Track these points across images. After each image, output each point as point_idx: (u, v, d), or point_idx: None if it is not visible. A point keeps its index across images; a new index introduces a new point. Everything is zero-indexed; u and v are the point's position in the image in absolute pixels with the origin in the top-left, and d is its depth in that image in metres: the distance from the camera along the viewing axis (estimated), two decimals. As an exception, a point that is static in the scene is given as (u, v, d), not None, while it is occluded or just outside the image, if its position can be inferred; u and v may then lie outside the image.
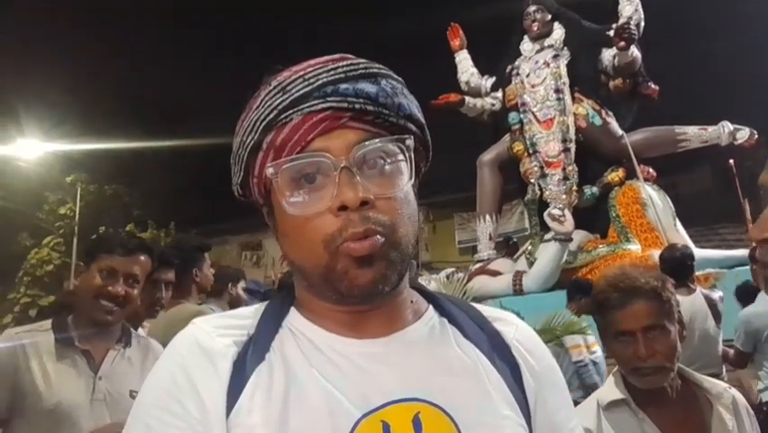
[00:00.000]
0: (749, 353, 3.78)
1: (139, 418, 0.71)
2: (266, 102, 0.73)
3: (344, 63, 0.74)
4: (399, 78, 0.78)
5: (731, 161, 12.14)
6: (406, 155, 0.74)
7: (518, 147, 7.45)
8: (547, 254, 6.42)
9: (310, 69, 0.73)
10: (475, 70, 8.24)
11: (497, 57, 8.17)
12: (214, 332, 0.74)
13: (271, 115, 0.72)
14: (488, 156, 7.79)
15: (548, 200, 6.95)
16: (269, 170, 0.72)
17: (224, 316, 0.79)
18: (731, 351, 3.88)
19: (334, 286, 0.71)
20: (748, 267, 4.25)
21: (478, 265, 7.26)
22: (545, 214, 6.41)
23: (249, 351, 0.72)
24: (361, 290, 0.70)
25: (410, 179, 0.74)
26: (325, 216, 0.70)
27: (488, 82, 8.11)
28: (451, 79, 8.30)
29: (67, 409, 1.69)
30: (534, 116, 7.37)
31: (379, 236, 0.69)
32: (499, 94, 7.88)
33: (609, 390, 1.53)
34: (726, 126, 7.06)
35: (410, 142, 0.74)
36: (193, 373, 0.70)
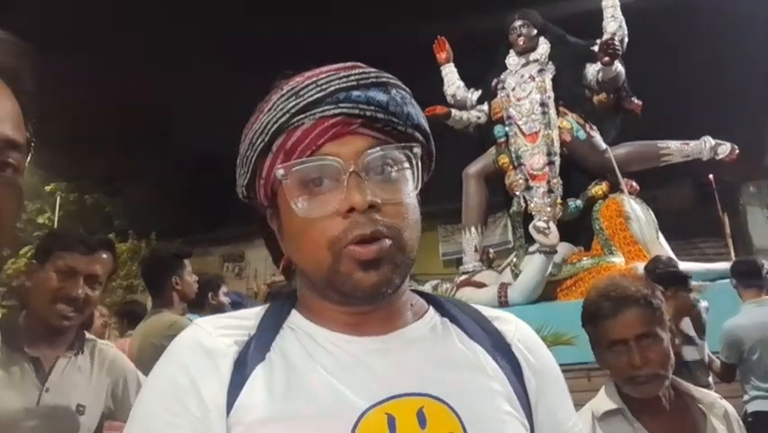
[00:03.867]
0: (734, 364, 3.80)
1: (140, 417, 0.71)
2: (278, 105, 0.74)
3: (356, 71, 0.75)
4: (407, 88, 0.80)
5: (711, 175, 12.34)
6: (413, 163, 0.76)
7: (504, 160, 7.49)
8: (532, 267, 6.44)
9: (323, 75, 0.75)
10: (461, 83, 8.29)
11: (483, 70, 8.24)
12: (216, 332, 0.74)
13: (283, 119, 0.73)
14: (473, 168, 7.82)
15: (533, 213, 6.98)
16: (280, 172, 0.73)
17: (225, 316, 0.80)
18: (717, 362, 3.90)
19: (338, 288, 0.72)
20: (729, 280, 4.28)
21: (463, 277, 7.26)
22: (531, 226, 6.44)
23: (250, 350, 0.73)
24: (365, 292, 0.72)
25: (415, 186, 0.76)
26: (333, 219, 0.71)
27: (474, 95, 8.16)
28: (437, 92, 8.34)
29: (5, 423, 1.48)
30: (520, 129, 7.42)
31: (386, 240, 0.71)
32: (485, 107, 7.93)
33: (603, 400, 1.52)
34: (708, 141, 7.16)
35: (417, 150, 0.76)
36: (194, 373, 0.70)
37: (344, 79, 0.74)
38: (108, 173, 19.36)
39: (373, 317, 0.76)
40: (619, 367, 1.45)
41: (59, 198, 18.73)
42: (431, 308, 0.83)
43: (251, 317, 0.78)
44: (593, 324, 1.51)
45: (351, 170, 0.71)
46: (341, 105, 0.72)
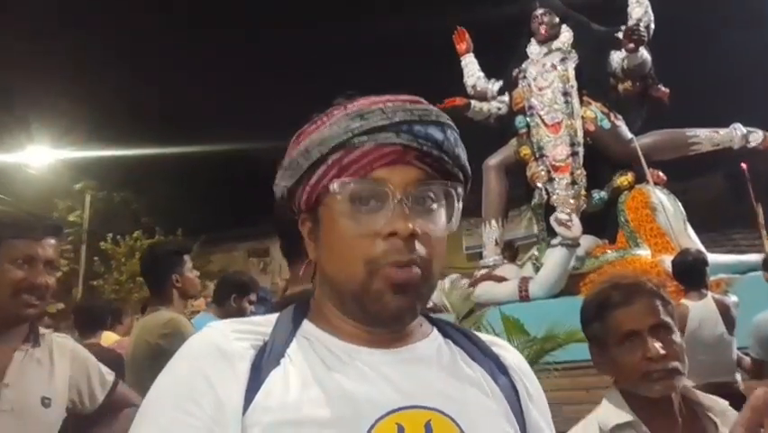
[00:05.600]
0: (764, 361, 3.63)
1: (151, 416, 0.73)
2: (341, 123, 0.79)
3: (420, 107, 0.81)
4: (457, 129, 0.85)
5: (743, 164, 11.94)
6: (453, 201, 0.81)
7: (525, 151, 7.33)
8: (554, 260, 6.28)
9: (389, 104, 0.80)
10: (481, 74, 8.14)
11: (504, 60, 8.07)
12: (232, 336, 0.77)
13: (345, 137, 0.77)
14: (494, 160, 7.67)
15: (555, 205, 6.81)
16: (335, 186, 0.77)
17: (240, 321, 0.82)
18: (747, 359, 3.73)
19: (365, 306, 0.77)
20: (761, 272, 4.11)
21: (483, 271, 7.13)
22: (552, 218, 6.29)
23: (265, 355, 0.75)
24: (390, 315, 0.76)
25: (450, 222, 0.81)
26: (373, 239, 0.75)
27: (494, 86, 8.01)
28: (457, 83, 8.21)
29: None
30: (542, 120, 7.25)
31: (417, 269, 0.75)
32: (506, 97, 7.78)
33: (612, 412, 1.38)
34: (739, 129, 6.91)
35: (460, 190, 0.82)
36: (211, 375, 0.72)
37: (409, 112, 0.79)
38: (133, 171, 19.61)
39: (386, 334, 0.80)
40: (633, 363, 1.34)
41: (88, 196, 19.04)
42: (434, 329, 0.87)
43: (264, 323, 0.80)
44: (600, 318, 1.41)
45: (398, 197, 0.76)
46: (402, 135, 0.78)
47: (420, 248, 0.75)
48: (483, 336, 0.90)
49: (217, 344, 0.75)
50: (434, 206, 0.79)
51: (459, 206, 0.81)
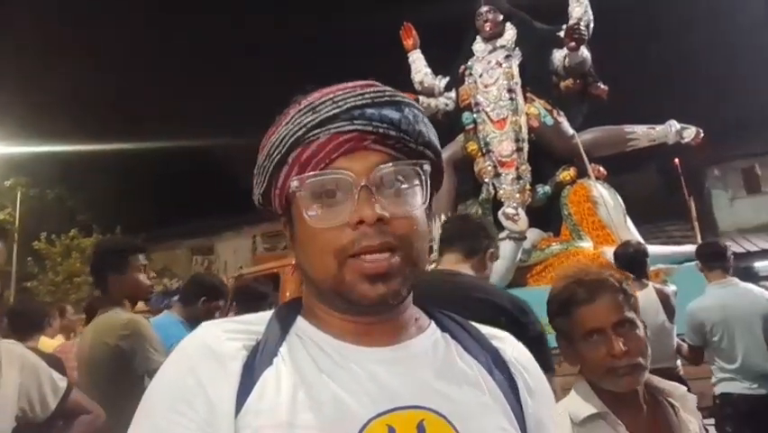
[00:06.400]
0: (700, 347, 3.82)
1: (145, 417, 0.73)
2: (295, 120, 0.78)
3: (372, 90, 0.79)
4: (420, 108, 0.84)
5: (676, 160, 12.50)
6: (423, 179, 0.79)
7: (472, 147, 7.44)
8: (501, 253, 6.38)
9: (339, 92, 0.78)
10: (428, 70, 8.19)
11: (450, 57, 8.16)
12: (224, 336, 0.76)
13: (299, 133, 0.77)
14: (442, 156, 7.73)
15: (502, 199, 6.95)
16: (294, 183, 0.77)
17: (233, 321, 0.81)
18: (685, 345, 3.91)
19: (344, 296, 0.75)
20: (695, 262, 4.31)
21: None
22: (500, 213, 6.41)
23: (257, 355, 0.75)
24: (371, 303, 0.75)
25: (424, 201, 0.79)
26: (342, 230, 0.74)
27: (441, 82, 8.07)
28: (404, 79, 8.24)
29: None
30: (488, 116, 7.37)
31: (396, 254, 0.74)
32: (453, 94, 7.86)
33: (580, 403, 1.42)
34: (674, 125, 7.20)
35: (427, 167, 0.79)
36: (202, 375, 0.72)
37: (359, 97, 0.77)
38: (68, 167, 18.84)
39: (379, 329, 0.79)
40: (597, 359, 1.37)
41: (19, 193, 18.19)
42: (432, 322, 0.85)
43: (257, 322, 0.80)
44: (565, 313, 1.43)
45: (362, 184, 0.74)
46: (355, 121, 0.76)
47: (395, 230, 0.74)
48: (484, 329, 0.89)
49: (209, 344, 0.75)
50: (405, 186, 0.77)
51: (429, 183, 0.79)
